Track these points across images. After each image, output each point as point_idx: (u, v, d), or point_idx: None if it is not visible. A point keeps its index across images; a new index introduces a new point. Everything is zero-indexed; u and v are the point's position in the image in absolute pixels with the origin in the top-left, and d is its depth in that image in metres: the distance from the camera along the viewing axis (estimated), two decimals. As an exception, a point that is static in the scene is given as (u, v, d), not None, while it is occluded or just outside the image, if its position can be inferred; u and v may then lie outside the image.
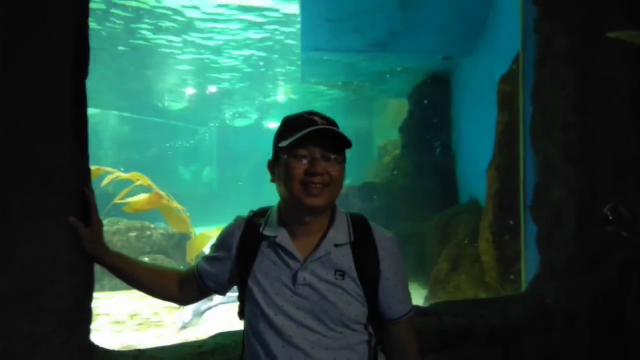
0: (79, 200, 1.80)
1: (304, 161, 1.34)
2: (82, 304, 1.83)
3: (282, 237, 1.40)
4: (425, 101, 8.45)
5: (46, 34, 1.69)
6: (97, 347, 2.04)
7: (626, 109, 3.05)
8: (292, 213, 1.41)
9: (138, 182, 7.77)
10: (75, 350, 1.78)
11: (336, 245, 1.39)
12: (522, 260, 3.59)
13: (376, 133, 16.34)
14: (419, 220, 7.03)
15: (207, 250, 8.86)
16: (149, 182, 7.78)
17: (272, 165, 1.45)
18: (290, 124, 1.40)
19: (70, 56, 1.74)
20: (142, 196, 7.66)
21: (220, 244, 1.54)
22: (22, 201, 1.70)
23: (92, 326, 1.99)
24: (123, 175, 7.76)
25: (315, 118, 1.37)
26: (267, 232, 1.43)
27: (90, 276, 1.89)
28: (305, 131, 1.32)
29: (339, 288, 1.36)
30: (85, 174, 1.87)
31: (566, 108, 3.17)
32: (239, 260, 1.46)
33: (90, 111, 2.04)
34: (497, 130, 4.47)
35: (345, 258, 1.39)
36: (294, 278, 1.37)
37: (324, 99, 16.48)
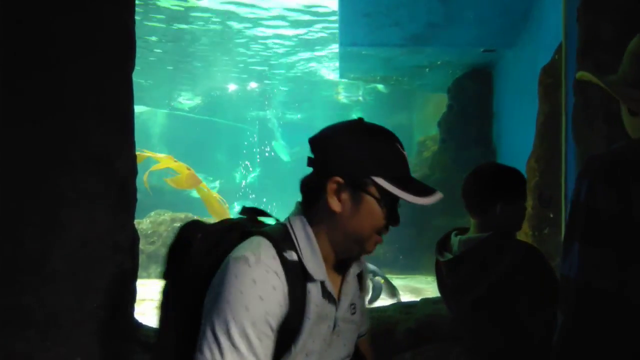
0: (126, 184, 1.92)
1: (383, 208, 1.11)
2: (126, 282, 1.95)
3: (326, 278, 1.10)
4: (466, 95, 8.31)
5: (98, 29, 1.81)
6: (141, 324, 2.16)
7: (675, 98, 2.94)
8: (341, 250, 1.14)
9: (175, 163, 8.27)
10: (120, 325, 1.90)
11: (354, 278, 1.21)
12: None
13: (415, 129, 16.18)
14: (458, 214, 6.93)
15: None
16: (185, 166, 8.28)
17: (342, 189, 1.09)
18: (386, 154, 1.12)
19: (121, 51, 1.85)
20: (181, 165, 8.26)
21: (264, 318, 1.00)
22: (73, 186, 1.82)
23: (138, 310, 2.11)
24: (159, 156, 8.30)
25: (405, 153, 1.17)
26: (313, 272, 1.08)
27: (134, 257, 2.01)
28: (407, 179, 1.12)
29: (354, 324, 1.20)
30: (132, 162, 1.99)
31: (609, 98, 3.08)
32: (288, 325, 1.04)
33: (139, 109, 2.16)
34: (538, 122, 4.37)
35: (355, 289, 1.22)
36: (334, 326, 1.13)
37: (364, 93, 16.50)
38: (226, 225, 1.18)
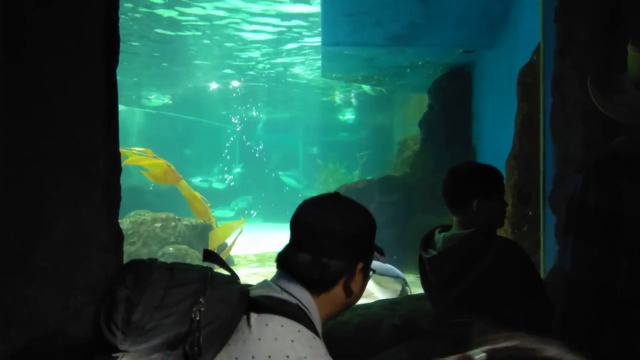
0: (110, 183, 1.90)
1: None
2: (112, 280, 1.93)
3: None
4: (446, 95, 8.42)
5: (81, 23, 1.79)
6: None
7: (649, 98, 3.03)
8: (330, 317, 1.24)
9: (152, 156, 8.13)
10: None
11: None
12: (541, 251, 3.58)
13: (396, 128, 16.30)
14: (439, 213, 7.04)
15: (229, 241, 9.10)
16: (165, 162, 8.13)
17: (359, 271, 1.22)
18: (374, 228, 1.28)
19: (103, 46, 1.84)
20: (159, 162, 8.10)
21: None
22: (58, 184, 1.81)
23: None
24: (136, 150, 8.14)
25: None
26: None
27: (119, 256, 1.99)
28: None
29: None
30: (116, 159, 1.98)
31: (586, 98, 3.15)
32: None
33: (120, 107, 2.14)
34: (516, 121, 4.46)
35: None
36: None
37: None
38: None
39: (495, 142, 6.48)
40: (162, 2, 9.78)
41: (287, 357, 1.00)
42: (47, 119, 1.76)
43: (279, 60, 14.33)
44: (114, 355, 0.96)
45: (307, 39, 12.13)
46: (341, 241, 1.17)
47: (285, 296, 1.14)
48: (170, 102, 20.20)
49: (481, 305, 1.78)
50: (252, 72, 16.00)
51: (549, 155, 3.54)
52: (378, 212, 9.15)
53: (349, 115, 21.22)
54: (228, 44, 12.86)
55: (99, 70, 1.83)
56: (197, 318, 0.98)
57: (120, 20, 2.01)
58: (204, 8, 10.23)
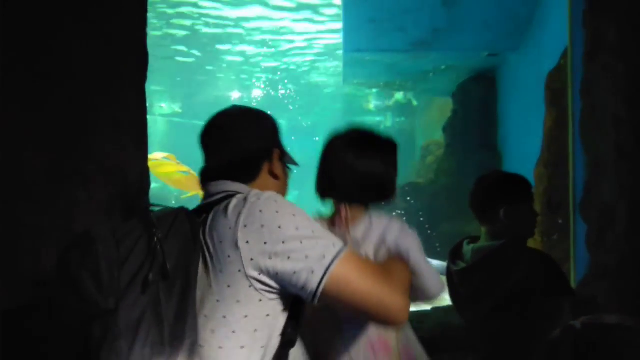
0: (140, 196, 1.94)
1: None
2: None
3: None
4: (470, 99, 8.32)
5: (112, 40, 1.83)
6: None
7: (683, 102, 2.94)
8: None
9: (177, 166, 8.07)
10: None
11: None
12: (572, 260, 3.50)
13: (419, 133, 16.17)
14: (465, 220, 6.94)
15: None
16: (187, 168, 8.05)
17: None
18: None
19: (133, 64, 1.88)
20: (183, 168, 8.00)
21: None
22: (89, 198, 1.84)
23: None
24: (158, 156, 8.10)
25: None
26: None
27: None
28: None
29: None
30: (145, 174, 2.01)
31: (617, 103, 3.08)
32: None
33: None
34: (545, 127, 4.37)
35: None
36: None
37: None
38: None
39: (522, 148, 6.37)
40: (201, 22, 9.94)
41: (261, 211, 1.07)
42: (79, 135, 1.80)
43: (302, 68, 14.40)
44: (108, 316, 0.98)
45: (328, 47, 12.15)
46: (251, 133, 1.26)
47: (225, 192, 1.18)
48: (180, 110, 20.47)
49: (513, 321, 1.74)
50: (274, 79, 16.13)
51: (579, 162, 3.46)
52: (402, 219, 9.08)
53: (374, 119, 21.26)
54: (252, 54, 13.01)
55: (130, 87, 1.87)
56: (159, 247, 1.01)
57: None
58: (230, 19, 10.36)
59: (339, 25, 9.27)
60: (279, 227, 1.05)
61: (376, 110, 19.34)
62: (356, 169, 1.45)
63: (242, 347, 1.03)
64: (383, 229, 1.42)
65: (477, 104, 8.16)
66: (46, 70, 1.74)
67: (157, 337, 0.97)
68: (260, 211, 1.06)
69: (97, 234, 1.03)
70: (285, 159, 1.35)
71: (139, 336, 0.96)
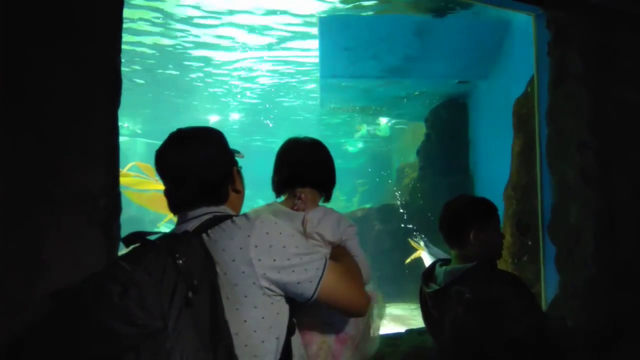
0: (110, 223, 1.91)
1: None
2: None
3: None
4: (442, 124, 8.51)
5: (83, 66, 1.83)
6: None
7: (642, 128, 3.07)
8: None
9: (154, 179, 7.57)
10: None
11: None
12: (542, 281, 3.57)
13: (395, 156, 16.40)
14: (438, 241, 7.02)
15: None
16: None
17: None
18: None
19: (105, 88, 1.87)
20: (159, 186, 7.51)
21: None
22: (57, 225, 1.81)
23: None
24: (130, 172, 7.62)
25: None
26: None
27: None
28: None
29: None
30: (117, 199, 1.99)
31: (581, 129, 3.21)
32: None
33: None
34: (513, 152, 4.50)
35: None
36: None
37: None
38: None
39: (492, 171, 6.53)
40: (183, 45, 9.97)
41: (267, 233, 1.31)
42: (48, 160, 1.78)
43: (279, 96, 14.52)
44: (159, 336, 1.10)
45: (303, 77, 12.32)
46: (209, 163, 1.41)
47: (209, 215, 1.38)
48: (140, 131, 20.29)
49: (485, 343, 1.76)
50: (252, 103, 16.19)
51: (546, 185, 3.56)
52: (377, 240, 9.12)
53: (350, 145, 21.43)
54: (231, 82, 13.07)
55: (101, 111, 1.86)
56: (180, 261, 1.17)
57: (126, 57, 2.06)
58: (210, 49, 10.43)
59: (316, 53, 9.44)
60: (284, 247, 1.31)
61: (352, 134, 19.59)
62: (315, 160, 1.85)
63: (262, 342, 1.28)
64: (334, 219, 1.76)
65: (448, 129, 8.36)
66: (13, 91, 1.73)
67: (200, 344, 1.14)
68: (267, 233, 1.31)
69: (124, 265, 1.16)
70: (237, 167, 1.54)
71: (186, 346, 1.11)
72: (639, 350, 2.82)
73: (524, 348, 1.68)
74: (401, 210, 9.14)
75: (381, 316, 1.82)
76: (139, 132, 20.43)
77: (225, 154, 1.48)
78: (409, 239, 7.34)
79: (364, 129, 18.57)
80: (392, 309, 8.34)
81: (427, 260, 6.56)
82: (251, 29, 8.91)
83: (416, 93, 8.34)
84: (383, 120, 16.33)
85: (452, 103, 8.38)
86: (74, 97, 1.86)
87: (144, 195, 7.22)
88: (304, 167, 1.83)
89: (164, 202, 1.47)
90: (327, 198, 1.92)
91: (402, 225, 8.77)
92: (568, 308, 3.10)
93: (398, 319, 7.68)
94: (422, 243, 6.80)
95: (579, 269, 3.12)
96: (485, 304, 1.81)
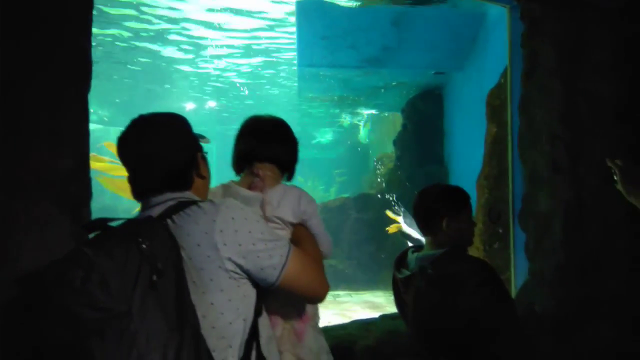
0: (80, 209, 1.88)
1: None
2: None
3: None
4: (419, 115, 8.60)
5: (54, 51, 1.79)
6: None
7: (611, 119, 3.16)
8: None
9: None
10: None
11: None
12: (512, 268, 3.66)
13: (373, 147, 16.49)
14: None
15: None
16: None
17: None
18: None
19: (74, 73, 1.83)
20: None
21: None
22: (25, 211, 1.77)
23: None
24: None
25: None
26: None
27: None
28: None
29: None
30: (87, 186, 1.96)
31: (552, 119, 3.28)
32: None
33: (92, 127, 2.13)
34: (486, 142, 4.58)
35: None
36: None
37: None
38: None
39: (466, 161, 6.63)
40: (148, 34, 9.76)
41: (233, 218, 1.31)
42: (18, 145, 1.74)
43: (257, 81, 14.40)
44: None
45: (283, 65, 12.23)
46: (172, 148, 1.39)
47: (174, 201, 1.36)
48: (107, 119, 19.95)
49: (454, 327, 1.80)
50: (228, 93, 16.02)
51: (517, 175, 3.64)
52: (354, 229, 9.20)
53: (327, 135, 21.42)
54: (206, 69, 12.89)
55: (70, 96, 1.83)
56: (144, 246, 1.17)
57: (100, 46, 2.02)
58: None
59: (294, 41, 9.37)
60: (249, 232, 1.32)
61: (331, 124, 19.58)
62: (274, 133, 1.78)
63: (230, 324, 1.30)
64: (294, 197, 1.69)
65: (424, 119, 8.45)
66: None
67: (166, 327, 1.14)
68: (232, 218, 1.31)
69: (86, 251, 1.15)
70: (202, 152, 1.52)
71: (152, 328, 1.12)
72: (603, 334, 2.93)
73: (487, 327, 1.71)
74: (379, 180, 9.22)
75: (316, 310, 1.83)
76: (106, 120, 20.05)
77: (189, 139, 1.46)
78: (387, 211, 7.40)
79: (347, 121, 18.63)
80: (368, 297, 8.45)
81: (406, 228, 6.72)
82: (231, 11, 8.78)
83: (394, 84, 8.39)
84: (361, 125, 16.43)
85: (428, 94, 8.46)
86: (43, 82, 1.81)
87: (117, 181, 7.04)
88: (262, 139, 1.76)
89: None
90: (290, 177, 1.85)
91: (379, 196, 8.86)
92: (536, 294, 3.19)
93: (373, 305, 7.79)
94: (401, 212, 6.94)
95: (548, 256, 3.20)
96: (445, 279, 1.84)
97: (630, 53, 2.91)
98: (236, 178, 1.80)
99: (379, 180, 10.61)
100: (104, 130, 19.99)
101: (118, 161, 1.47)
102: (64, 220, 1.78)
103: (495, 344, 1.70)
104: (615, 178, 1.75)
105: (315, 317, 1.75)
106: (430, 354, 1.90)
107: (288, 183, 1.83)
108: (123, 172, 1.47)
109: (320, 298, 1.49)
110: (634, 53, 2.90)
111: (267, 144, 1.74)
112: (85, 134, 1.91)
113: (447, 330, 1.60)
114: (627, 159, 1.78)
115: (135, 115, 1.43)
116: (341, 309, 7.54)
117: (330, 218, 9.31)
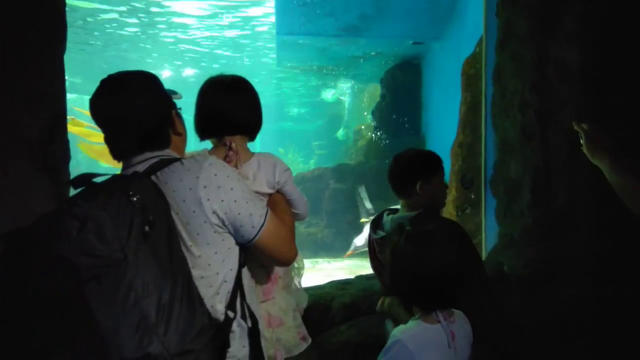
0: (59, 170, 1.90)
1: None
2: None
3: None
4: (397, 85, 8.63)
5: (33, 10, 1.77)
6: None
7: (578, 88, 3.26)
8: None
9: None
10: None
11: None
12: (483, 232, 3.80)
13: (352, 117, 16.49)
14: (390, 199, 7.26)
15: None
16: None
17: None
18: None
19: (51, 35, 1.82)
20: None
21: None
22: (3, 171, 1.78)
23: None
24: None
25: None
26: None
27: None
28: None
29: None
30: (65, 147, 1.96)
31: (524, 88, 3.36)
32: None
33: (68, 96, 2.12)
34: (460, 111, 4.67)
35: None
36: None
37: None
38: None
39: (442, 130, 6.74)
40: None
41: (215, 175, 1.35)
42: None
43: (235, 51, 14.15)
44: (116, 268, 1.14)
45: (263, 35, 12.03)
46: (146, 108, 1.38)
47: (156, 158, 1.39)
48: (80, 87, 19.43)
49: (427, 272, 1.90)
50: (206, 60, 15.73)
51: (489, 142, 3.74)
52: (332, 198, 9.30)
53: (303, 108, 21.28)
54: (181, 37, 12.60)
55: (46, 57, 1.82)
56: (134, 198, 1.20)
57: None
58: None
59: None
60: (232, 189, 1.37)
61: (310, 96, 19.46)
62: (239, 101, 1.73)
63: (217, 274, 1.38)
64: (269, 167, 1.70)
65: (403, 90, 8.49)
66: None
67: (160, 274, 1.19)
68: (215, 175, 1.36)
69: (80, 203, 1.17)
70: (177, 111, 1.51)
71: (147, 275, 1.16)
72: (566, 292, 3.10)
73: (455, 274, 1.81)
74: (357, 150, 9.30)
75: (300, 270, 1.92)
76: (78, 88, 19.50)
77: (162, 97, 1.46)
78: (362, 221, 7.77)
79: (328, 97, 18.55)
80: (346, 261, 8.66)
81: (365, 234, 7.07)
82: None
83: (372, 53, 8.36)
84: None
85: (406, 64, 8.47)
86: (18, 42, 1.80)
87: (95, 147, 6.94)
88: (231, 105, 1.71)
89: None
90: (252, 138, 1.82)
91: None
92: (505, 255, 3.33)
93: (349, 269, 8.00)
94: (361, 194, 7.21)
95: (516, 220, 3.34)
96: (420, 235, 1.93)
97: (597, 22, 2.98)
98: (207, 145, 1.76)
99: (356, 151, 10.69)
100: (79, 99, 19.50)
101: (96, 127, 1.46)
102: (43, 180, 1.80)
103: (462, 288, 1.81)
104: (582, 142, 1.84)
105: (286, 278, 1.83)
106: (404, 301, 2.01)
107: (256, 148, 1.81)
108: (101, 139, 1.47)
109: (288, 261, 1.58)
110: (601, 22, 2.97)
111: (234, 114, 1.71)
112: (62, 94, 1.91)
113: (420, 277, 1.69)
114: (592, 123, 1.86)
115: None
116: (320, 275, 7.72)
117: (310, 187, 9.39)
